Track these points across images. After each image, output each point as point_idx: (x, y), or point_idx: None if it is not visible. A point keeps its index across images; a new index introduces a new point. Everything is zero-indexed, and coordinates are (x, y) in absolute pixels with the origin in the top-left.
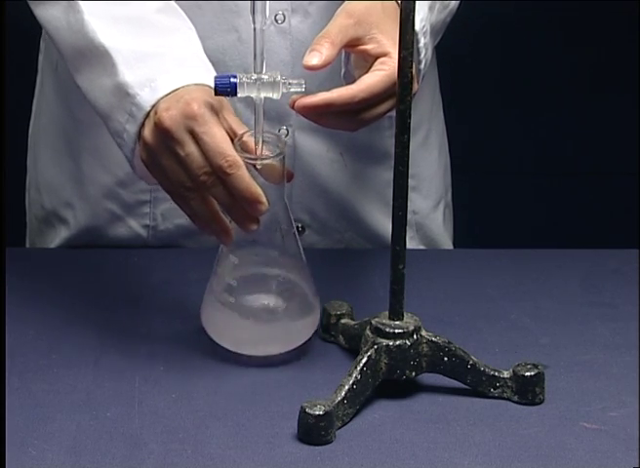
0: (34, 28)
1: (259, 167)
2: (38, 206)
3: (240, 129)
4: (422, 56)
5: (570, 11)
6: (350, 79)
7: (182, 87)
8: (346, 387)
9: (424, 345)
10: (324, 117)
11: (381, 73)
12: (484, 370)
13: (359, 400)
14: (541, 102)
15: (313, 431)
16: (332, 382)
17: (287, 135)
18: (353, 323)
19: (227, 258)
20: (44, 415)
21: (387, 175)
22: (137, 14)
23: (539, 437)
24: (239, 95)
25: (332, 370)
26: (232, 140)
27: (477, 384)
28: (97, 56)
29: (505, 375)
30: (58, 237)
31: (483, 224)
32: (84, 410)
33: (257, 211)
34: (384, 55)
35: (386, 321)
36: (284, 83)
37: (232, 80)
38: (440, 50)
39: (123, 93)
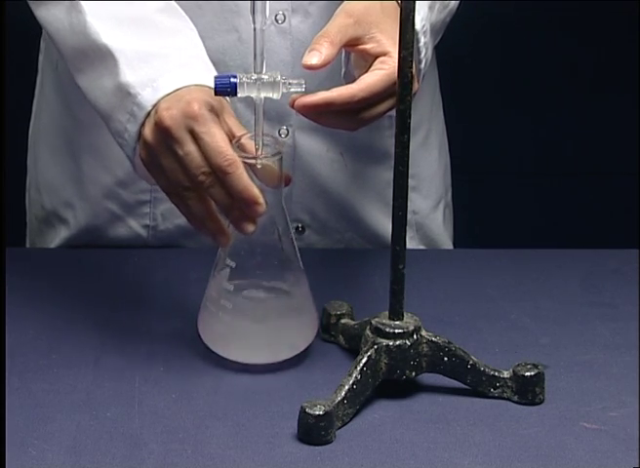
0: (34, 28)
1: (259, 166)
2: (38, 206)
3: (239, 131)
4: (423, 55)
5: (570, 11)
6: (350, 79)
7: (184, 87)
8: (346, 387)
9: (424, 345)
10: (324, 116)
11: (381, 72)
12: (484, 370)
13: (359, 400)
14: (541, 102)
15: (313, 431)
16: (332, 382)
17: (287, 135)
18: (353, 323)
19: (224, 263)
20: (44, 415)
21: (387, 175)
22: (138, 14)
23: (539, 437)
24: (239, 95)
25: (332, 370)
26: (231, 142)
27: (477, 384)
28: (99, 56)
29: (505, 375)
30: (58, 237)
31: (483, 224)
32: (84, 410)
33: (254, 212)
34: (384, 54)
35: (386, 321)
36: (284, 83)
37: (232, 80)
38: (440, 50)
39: (124, 93)
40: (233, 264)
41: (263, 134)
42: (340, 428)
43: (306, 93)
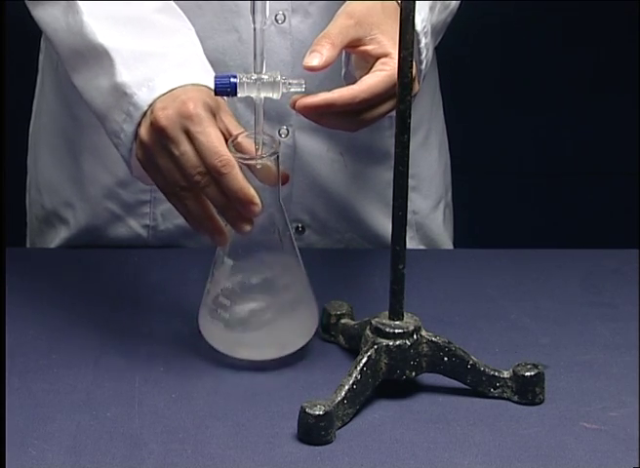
0: (34, 28)
1: (259, 167)
2: (38, 206)
3: (236, 130)
4: (424, 56)
5: (570, 11)
6: (351, 80)
7: (180, 87)
8: (346, 387)
9: (424, 345)
10: (324, 117)
11: (382, 74)
12: (484, 370)
13: (359, 400)
14: (541, 102)
15: (313, 431)
16: (332, 382)
17: (287, 135)
18: (353, 323)
19: (223, 261)
20: (44, 415)
21: (387, 175)
22: (136, 14)
23: (539, 437)
24: (239, 95)
25: (332, 370)
26: (227, 141)
27: (477, 384)
28: (95, 56)
29: (505, 375)
30: (58, 237)
31: (483, 224)
32: (84, 410)
33: (250, 211)
34: (385, 55)
35: (386, 321)
36: (284, 83)
37: (232, 80)
38: (440, 50)
39: (120, 92)
40: (232, 262)
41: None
42: (340, 428)
43: (307, 93)
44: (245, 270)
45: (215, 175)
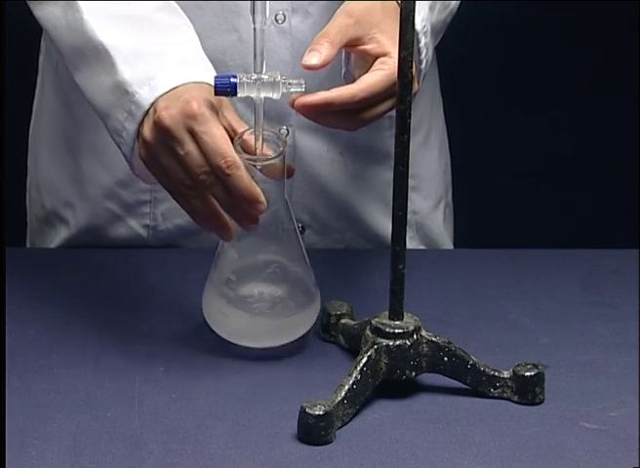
0: (34, 28)
1: (259, 167)
2: (38, 206)
3: (240, 127)
4: (423, 55)
5: (570, 11)
6: (350, 79)
7: (182, 85)
8: (346, 387)
9: (424, 345)
10: (324, 116)
11: (382, 73)
12: (484, 370)
13: (359, 400)
14: (541, 102)
15: (313, 431)
16: (332, 382)
17: (287, 134)
18: (353, 323)
19: (228, 252)
20: (44, 415)
21: (387, 175)
22: (136, 12)
23: (539, 437)
24: (239, 95)
25: (332, 370)
26: (232, 139)
27: (477, 384)
28: (96, 54)
29: (505, 375)
30: (58, 237)
31: (483, 224)
32: (84, 410)
33: (256, 210)
34: (384, 54)
35: (386, 321)
36: (284, 83)
37: (232, 80)
38: (440, 50)
39: (122, 91)
40: (236, 255)
41: (265, 129)
42: (340, 428)
43: (306, 93)
44: (248, 260)
45: (220, 175)
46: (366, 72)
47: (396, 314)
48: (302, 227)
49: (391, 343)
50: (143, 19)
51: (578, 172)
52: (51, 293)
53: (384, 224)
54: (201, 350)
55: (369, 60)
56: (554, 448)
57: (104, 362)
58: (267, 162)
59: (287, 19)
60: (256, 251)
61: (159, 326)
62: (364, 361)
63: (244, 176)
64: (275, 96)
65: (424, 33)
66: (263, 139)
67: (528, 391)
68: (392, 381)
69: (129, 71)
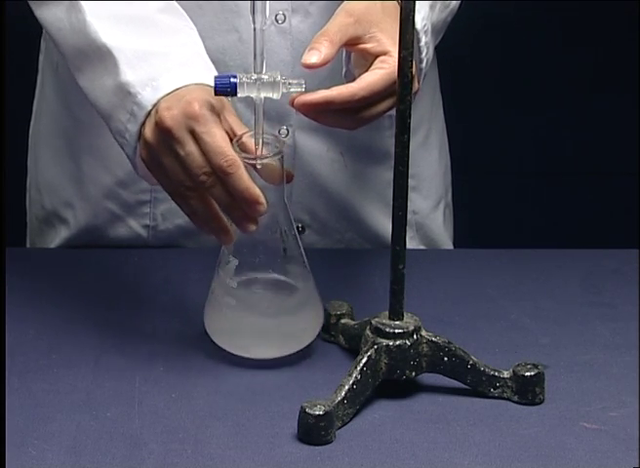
0: (34, 28)
1: (258, 167)
2: (38, 206)
3: (240, 129)
4: (424, 55)
5: (570, 11)
6: (351, 78)
7: (184, 86)
8: (346, 387)
9: (424, 345)
10: (323, 115)
11: (382, 72)
12: (484, 370)
13: (359, 400)
14: (541, 102)
15: (313, 431)
16: (332, 382)
17: (287, 134)
18: (353, 323)
19: (228, 260)
20: (44, 415)
21: (388, 175)
22: (139, 13)
23: (539, 437)
24: (239, 95)
25: (332, 370)
26: (232, 141)
27: (477, 384)
28: (99, 56)
29: (505, 375)
30: (58, 237)
31: (483, 224)
32: (84, 410)
33: (255, 211)
34: (384, 53)
35: (386, 321)
36: (284, 83)
37: (232, 80)
38: (440, 50)
39: (125, 92)
40: (237, 261)
41: (264, 132)
42: (340, 428)
43: (306, 92)
44: (249, 268)
45: (220, 175)
46: (366, 71)
47: (396, 314)
48: (302, 227)
49: (391, 343)
50: (146, 20)
51: (578, 172)
52: (51, 293)
53: (384, 224)
54: (201, 350)
55: (369, 59)
56: (554, 448)
57: (104, 362)
58: (265, 160)
59: (287, 19)
60: (256, 259)
61: (159, 326)
62: (364, 361)
63: (244, 176)
64: (275, 96)
65: (425, 32)
66: (262, 142)
67: (528, 391)
68: (392, 381)
69: (132, 73)
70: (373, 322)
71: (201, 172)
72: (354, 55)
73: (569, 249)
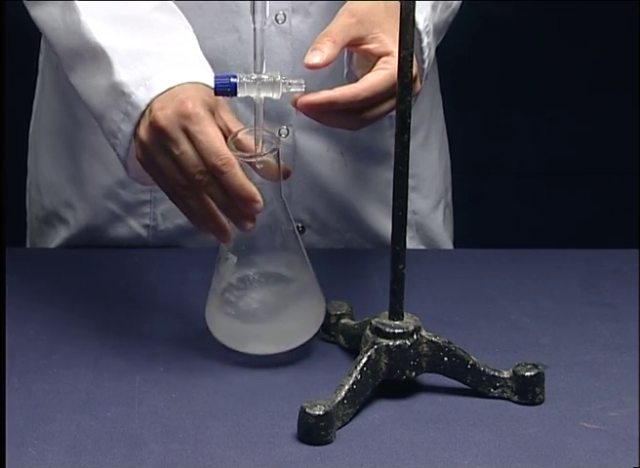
0: (34, 28)
1: (258, 167)
2: (38, 206)
3: (235, 127)
4: (426, 55)
5: (570, 11)
6: (353, 78)
7: (178, 85)
8: (346, 387)
9: (424, 345)
10: (326, 116)
11: (384, 72)
12: (484, 370)
13: (359, 400)
14: (541, 102)
15: (313, 431)
16: (332, 382)
17: (287, 134)
18: (353, 323)
19: (228, 258)
20: (44, 415)
21: (388, 175)
22: (133, 13)
23: (539, 437)
24: (239, 95)
25: (332, 370)
26: (227, 138)
27: (477, 384)
28: (93, 55)
29: (505, 375)
30: (58, 237)
31: (483, 224)
32: (84, 410)
33: (252, 209)
34: (387, 54)
35: (386, 321)
36: (284, 83)
37: (232, 80)
38: (440, 50)
39: (118, 92)
40: (235, 258)
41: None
42: (340, 428)
43: (308, 92)
44: (249, 265)
45: (215, 173)
46: (369, 72)
47: (396, 314)
48: (302, 227)
49: (391, 343)
50: (141, 19)
51: (578, 172)
52: (51, 293)
53: (384, 224)
54: (201, 350)
55: (371, 60)
56: (554, 448)
57: (104, 362)
58: (260, 158)
59: (287, 19)
60: (256, 256)
61: (159, 326)
62: (364, 361)
63: (239, 174)
64: (275, 96)
65: (427, 33)
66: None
67: (528, 391)
68: (392, 381)
69: (126, 72)
70: (373, 322)
71: (196, 171)
72: (357, 55)
73: (569, 249)
